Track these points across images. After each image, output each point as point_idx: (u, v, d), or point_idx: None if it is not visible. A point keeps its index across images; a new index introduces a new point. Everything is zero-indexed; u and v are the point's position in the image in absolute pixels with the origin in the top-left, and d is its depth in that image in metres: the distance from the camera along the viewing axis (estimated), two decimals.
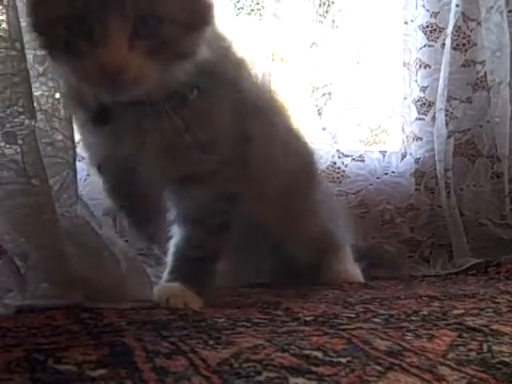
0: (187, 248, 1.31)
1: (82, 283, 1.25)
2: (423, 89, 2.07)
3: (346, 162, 1.97)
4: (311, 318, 1.17)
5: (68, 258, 1.24)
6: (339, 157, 1.98)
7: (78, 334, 1.02)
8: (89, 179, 1.64)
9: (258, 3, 1.91)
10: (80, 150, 1.65)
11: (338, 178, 1.98)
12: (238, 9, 1.87)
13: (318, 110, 1.95)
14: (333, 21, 1.95)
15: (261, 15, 1.93)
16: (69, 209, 1.25)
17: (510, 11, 2.10)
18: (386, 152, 2.02)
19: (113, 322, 1.13)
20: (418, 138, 2.05)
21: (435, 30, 2.07)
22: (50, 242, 1.20)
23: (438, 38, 2.06)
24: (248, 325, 1.10)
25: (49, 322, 1.10)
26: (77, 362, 0.84)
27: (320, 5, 1.93)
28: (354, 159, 1.98)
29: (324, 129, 1.94)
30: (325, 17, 1.93)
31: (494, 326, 1.07)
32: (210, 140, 1.23)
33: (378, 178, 1.99)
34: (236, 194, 1.31)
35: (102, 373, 0.80)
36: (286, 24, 1.89)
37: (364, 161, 1.99)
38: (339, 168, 1.97)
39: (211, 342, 0.97)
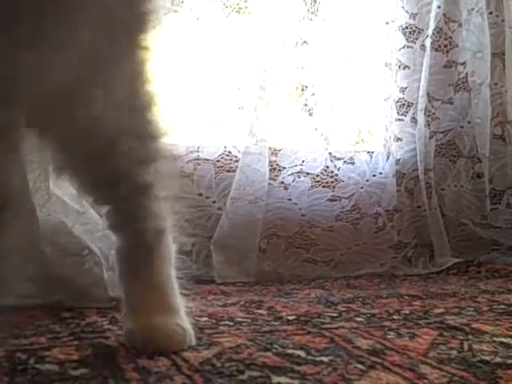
0: None
1: (63, 282, 1.25)
2: (402, 90, 2.07)
3: (338, 166, 1.96)
4: (294, 317, 1.17)
5: (47, 257, 1.24)
6: (331, 160, 1.95)
7: (59, 334, 1.02)
8: None
9: (245, 1, 1.91)
10: None
11: (331, 182, 1.95)
12: (226, 7, 1.86)
13: (309, 110, 1.94)
14: (323, 19, 1.95)
15: (249, 13, 1.93)
16: (41, 208, 1.25)
17: (490, 13, 2.11)
18: (373, 153, 2.01)
19: (95, 321, 1.13)
20: (398, 139, 2.06)
21: (414, 31, 2.07)
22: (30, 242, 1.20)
23: (417, 39, 2.07)
24: (230, 324, 1.11)
25: (30, 321, 1.10)
26: (59, 361, 0.83)
27: (311, 3, 1.92)
28: (345, 162, 1.97)
29: (316, 129, 1.93)
30: (316, 14, 1.92)
31: (475, 325, 1.08)
32: None
33: (367, 180, 1.99)
34: None
35: (85, 372, 0.80)
36: (275, 22, 1.88)
37: (354, 163, 1.98)
38: (332, 172, 1.96)
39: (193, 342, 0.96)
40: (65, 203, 1.34)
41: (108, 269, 1.32)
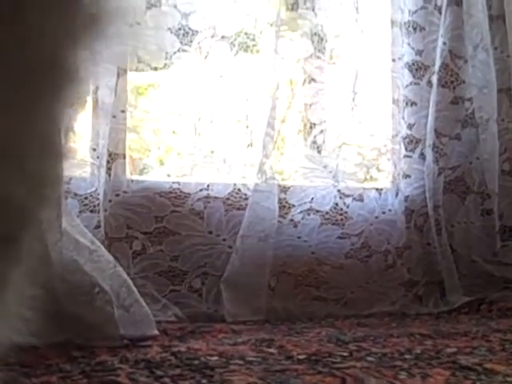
0: None
1: (74, 320, 1.25)
2: (410, 126, 2.08)
3: (347, 203, 1.97)
4: (304, 356, 1.16)
5: (59, 295, 1.24)
6: (340, 197, 1.95)
7: (70, 373, 1.02)
8: (81, 215, 1.64)
9: (253, 39, 1.93)
10: (72, 187, 1.66)
11: (341, 220, 1.94)
12: (234, 45, 1.88)
13: (318, 148, 1.95)
14: (330, 56, 1.97)
15: (257, 51, 1.95)
16: (53, 246, 1.26)
17: (495, 48, 2.13)
18: (381, 190, 2.02)
19: (105, 360, 1.12)
20: (407, 176, 2.06)
21: (421, 67, 2.09)
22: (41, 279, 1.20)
23: (423, 75, 2.09)
24: (241, 363, 1.10)
25: (41, 360, 1.10)
26: None
27: (318, 41, 1.94)
28: (354, 199, 1.97)
29: (325, 167, 1.94)
30: (323, 52, 1.94)
31: (488, 365, 1.08)
32: None
33: (376, 217, 1.99)
34: None
35: None
36: (283, 60, 1.89)
37: (363, 200, 1.99)
38: (341, 209, 1.96)
39: (204, 381, 0.96)
40: (76, 241, 1.35)
41: (119, 307, 1.32)
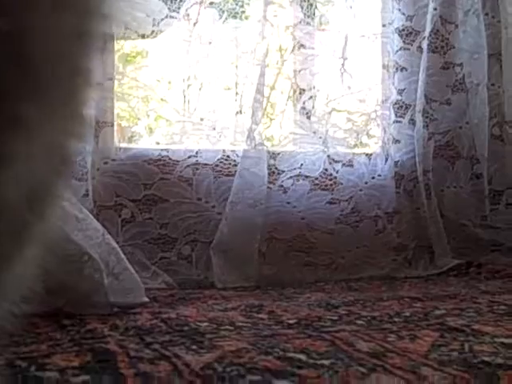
0: None
1: (63, 289, 1.25)
2: (400, 91, 2.07)
3: (337, 168, 1.96)
4: (294, 320, 1.17)
5: (47, 264, 1.24)
6: (330, 163, 1.96)
7: (60, 341, 1.02)
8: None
9: (242, 6, 1.91)
10: None
11: (330, 185, 1.95)
12: (223, 12, 1.86)
13: (307, 113, 1.94)
14: (320, 22, 1.96)
15: (246, 18, 1.93)
16: None
17: (486, 14, 2.11)
18: (371, 155, 2.02)
19: (95, 328, 1.12)
20: (397, 141, 2.06)
21: (411, 33, 2.07)
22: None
23: (414, 41, 2.07)
24: (231, 328, 1.11)
25: (30, 329, 1.09)
26: (59, 368, 0.83)
27: (307, 7, 1.92)
28: (344, 164, 1.97)
29: (314, 132, 1.93)
30: (312, 18, 1.93)
31: (475, 326, 1.08)
32: None
33: (366, 182, 1.99)
34: None
35: (86, 379, 0.79)
36: (272, 26, 1.88)
37: (353, 165, 1.98)
38: (331, 175, 1.97)
39: (194, 347, 0.97)
40: (64, 210, 1.34)
41: (108, 275, 1.32)
